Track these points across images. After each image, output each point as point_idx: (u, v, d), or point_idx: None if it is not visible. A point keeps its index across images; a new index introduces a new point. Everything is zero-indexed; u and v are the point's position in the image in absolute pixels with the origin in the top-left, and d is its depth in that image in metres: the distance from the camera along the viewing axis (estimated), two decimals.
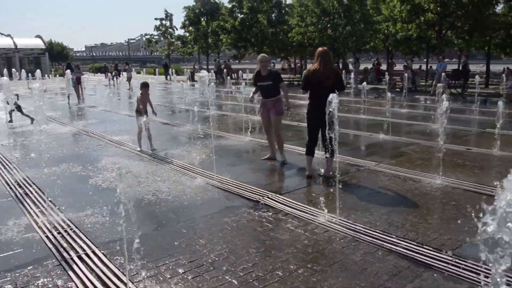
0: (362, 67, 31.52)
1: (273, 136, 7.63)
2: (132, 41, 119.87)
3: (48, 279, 3.67)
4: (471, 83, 19.75)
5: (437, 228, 4.57)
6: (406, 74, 19.47)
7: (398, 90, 22.77)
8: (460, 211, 5.02)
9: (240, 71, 27.19)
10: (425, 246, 4.12)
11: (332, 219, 4.79)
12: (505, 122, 11.01)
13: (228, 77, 26.63)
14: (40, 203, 5.64)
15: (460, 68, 24.42)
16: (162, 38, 43.88)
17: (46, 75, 34.48)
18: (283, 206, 5.30)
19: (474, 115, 13.21)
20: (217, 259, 3.98)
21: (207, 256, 4.03)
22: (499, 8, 26.37)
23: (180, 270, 3.77)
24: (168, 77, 37.64)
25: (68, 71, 19.35)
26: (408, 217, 4.89)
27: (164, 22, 42.60)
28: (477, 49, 30.52)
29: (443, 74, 19.58)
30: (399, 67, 29.89)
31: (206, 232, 4.62)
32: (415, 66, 27.48)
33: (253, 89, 7.79)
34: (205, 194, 5.92)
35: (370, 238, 4.32)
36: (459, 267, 3.68)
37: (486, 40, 27.07)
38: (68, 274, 3.74)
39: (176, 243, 4.33)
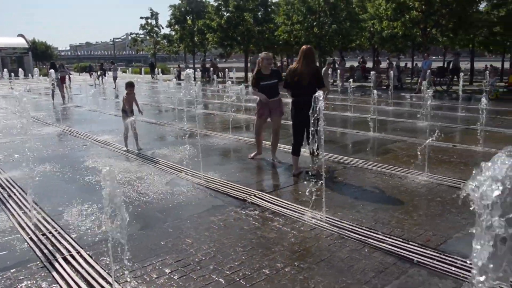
0: (348, 65, 31.70)
1: (262, 136, 7.50)
2: (117, 40, 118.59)
3: (32, 282, 3.62)
4: (456, 81, 19.98)
5: (422, 225, 4.61)
6: (391, 72, 19.63)
7: (384, 87, 22.97)
8: (445, 207, 5.07)
9: (226, 70, 27.11)
10: (411, 243, 4.16)
11: (318, 217, 4.80)
12: (488, 119, 11.21)
13: (215, 76, 26.55)
14: (24, 204, 5.55)
15: (450, 65, 24.73)
16: (147, 37, 43.56)
17: (29, 75, 33.92)
18: (270, 204, 5.30)
19: (459, 112, 13.37)
20: (204, 258, 3.96)
21: (194, 256, 4.01)
22: (482, 6, 26.79)
23: (167, 270, 3.74)
24: (154, 76, 37.42)
25: (52, 70, 19.06)
26: (394, 214, 4.93)
27: (149, 20, 42.36)
28: (461, 46, 30.93)
29: (428, 71, 19.80)
30: (384, 64, 30.07)
31: (193, 231, 4.59)
32: (401, 64, 27.69)
33: (251, 90, 7.54)
34: (191, 193, 5.89)
35: (357, 235, 4.34)
36: (444, 263, 3.72)
37: (470, 38, 27.48)
38: (53, 276, 3.68)
39: (162, 243, 4.30)
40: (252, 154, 7.76)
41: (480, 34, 27.07)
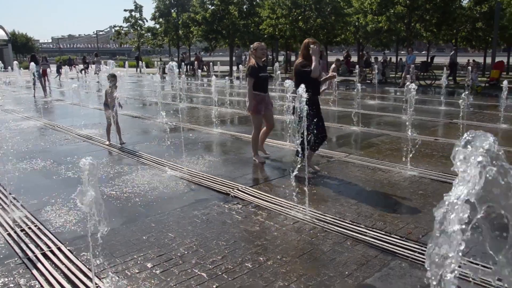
0: (333, 59, 31.76)
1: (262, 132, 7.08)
2: (101, 33, 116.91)
3: (10, 279, 3.54)
4: (439, 75, 20.19)
5: (404, 217, 4.66)
6: (376, 66, 19.76)
7: (369, 82, 23.11)
8: (427, 200, 5.13)
9: (211, 63, 26.96)
10: (392, 235, 4.19)
11: (301, 210, 4.81)
12: (470, 113, 11.37)
13: (199, 70, 26.38)
14: (2, 199, 5.44)
15: (433, 60, 25.11)
16: (131, 30, 42.96)
17: (9, 67, 33.21)
18: (253, 198, 5.29)
19: (442, 106, 13.52)
20: (186, 252, 3.93)
21: (176, 250, 3.98)
22: (464, 2, 27.17)
23: (149, 265, 3.71)
24: (139, 69, 37.03)
25: (33, 63, 18.70)
26: (376, 207, 4.96)
27: (133, 13, 41.72)
28: (444, 41, 31.35)
29: (412, 66, 19.97)
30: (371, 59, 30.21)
31: (176, 225, 4.56)
32: (379, 58, 27.94)
33: (248, 89, 6.75)
34: (175, 187, 5.84)
35: (339, 229, 4.36)
36: (425, 255, 3.75)
37: (453, 33, 27.86)
38: (32, 273, 3.62)
39: (144, 238, 4.26)
40: (258, 159, 7.00)
41: (463, 30, 27.47)
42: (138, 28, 41.87)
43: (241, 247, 4.01)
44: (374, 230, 4.32)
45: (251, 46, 6.92)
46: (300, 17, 27.71)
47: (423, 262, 3.65)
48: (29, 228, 4.53)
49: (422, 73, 22.52)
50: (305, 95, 4.65)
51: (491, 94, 17.01)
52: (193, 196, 5.47)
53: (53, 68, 28.67)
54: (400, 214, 4.78)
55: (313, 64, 5.66)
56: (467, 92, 9.54)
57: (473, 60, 29.73)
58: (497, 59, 22.56)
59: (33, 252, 3.98)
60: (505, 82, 10.62)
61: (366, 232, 4.26)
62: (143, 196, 5.49)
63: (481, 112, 12.36)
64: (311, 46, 5.79)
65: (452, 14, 25.49)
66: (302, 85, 4.78)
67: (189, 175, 6.31)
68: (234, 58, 32.66)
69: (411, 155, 6.42)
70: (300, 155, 5.12)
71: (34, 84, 18.97)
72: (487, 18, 25.20)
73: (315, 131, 5.78)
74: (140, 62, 39.81)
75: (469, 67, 18.91)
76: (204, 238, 4.23)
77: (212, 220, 4.67)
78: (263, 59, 6.81)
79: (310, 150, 5.95)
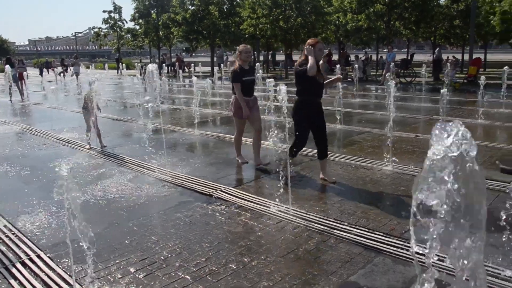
0: None
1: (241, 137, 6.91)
2: (79, 34, 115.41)
3: None
4: (419, 72, 20.49)
5: (387, 214, 4.69)
6: (356, 65, 19.92)
7: (350, 80, 23.28)
8: (409, 196, 5.17)
9: (192, 64, 26.81)
10: (376, 232, 4.22)
11: (285, 210, 4.80)
12: (449, 109, 11.55)
13: (180, 71, 26.21)
14: None
15: (413, 57, 25.47)
16: (111, 32, 42.43)
17: None
18: (237, 199, 5.26)
19: (422, 103, 13.71)
20: (169, 255, 3.89)
21: (160, 253, 3.93)
22: (442, 0, 27.70)
23: (132, 269, 3.65)
24: (119, 71, 36.63)
25: (8, 66, 18.29)
26: (359, 204, 4.99)
27: (112, 14, 41.25)
28: (424, 39, 31.88)
29: (392, 63, 20.21)
30: (352, 57, 30.47)
31: (159, 228, 4.51)
32: (360, 56, 28.20)
33: (237, 93, 6.45)
34: (157, 190, 5.78)
35: (323, 227, 4.36)
36: (408, 250, 3.78)
37: (431, 31, 28.34)
38: (9, 282, 3.52)
39: (127, 242, 4.19)
40: (241, 160, 6.98)
41: (441, 27, 27.97)
42: (118, 30, 41.41)
43: (225, 248, 3.98)
44: (357, 227, 4.34)
45: (237, 48, 6.71)
46: (280, 17, 27.71)
47: (406, 258, 3.68)
48: (7, 236, 4.41)
49: (402, 71, 22.80)
50: (284, 94, 4.62)
51: (469, 90, 17.30)
52: (176, 199, 5.42)
53: (31, 71, 28.11)
54: (382, 210, 4.82)
55: (309, 62, 5.45)
56: (445, 89, 9.69)
57: (453, 56, 30.28)
58: (475, 56, 23.01)
59: (10, 261, 3.87)
60: (482, 77, 10.86)
61: (349, 230, 4.28)
62: (125, 200, 5.41)
63: (460, 108, 12.57)
64: (305, 47, 5.64)
65: (430, 12, 25.95)
66: (283, 87, 4.72)
67: (172, 177, 6.25)
68: (215, 59, 32.54)
69: (392, 152, 6.48)
70: (292, 155, 5.16)
71: (10, 88, 18.55)
72: (464, 16, 25.69)
73: (315, 140, 5.81)
74: (120, 64, 39.37)
75: (447, 64, 19.21)
76: (188, 240, 4.19)
77: (195, 222, 4.63)
78: (248, 62, 6.63)
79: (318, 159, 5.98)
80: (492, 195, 5.17)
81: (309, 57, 5.46)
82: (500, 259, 3.53)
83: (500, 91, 12.74)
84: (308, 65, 5.43)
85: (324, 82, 5.84)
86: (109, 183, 6.12)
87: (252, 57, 34.30)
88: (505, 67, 12.60)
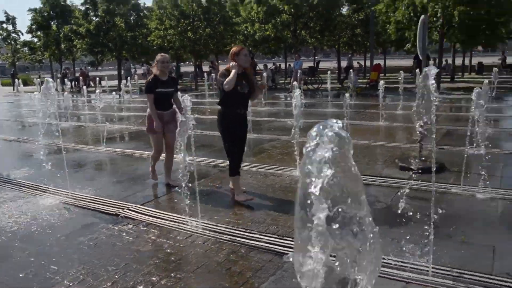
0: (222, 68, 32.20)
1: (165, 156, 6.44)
2: None
3: None
4: (325, 78, 21.57)
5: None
6: (265, 74, 20.44)
7: None
8: None
9: (97, 78, 25.64)
10: (285, 238, 4.30)
11: (194, 224, 4.72)
12: (353, 113, 12.28)
13: (85, 86, 24.90)
14: None
15: (319, 65, 26.89)
16: (4, 44, 39.16)
17: None
18: (145, 216, 5.08)
19: (328, 108, 14.41)
20: (71, 284, 3.61)
21: (60, 283, 3.64)
22: (344, 10, 29.64)
23: None
24: (15, 88, 33.81)
25: None
26: (269, 212, 5.06)
27: (5, 25, 38.14)
28: (329, 47, 33.73)
29: (299, 71, 21.05)
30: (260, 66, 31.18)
31: (59, 256, 4.18)
32: (269, 65, 29.12)
33: (149, 107, 6.16)
34: (58, 214, 5.37)
35: (233, 237, 4.36)
36: None
37: (335, 39, 30.12)
38: None
39: (21, 275, 3.82)
40: (154, 179, 6.59)
41: (344, 35, 29.86)
42: (12, 42, 38.37)
43: (132, 270, 3.80)
44: (267, 234, 4.40)
45: (156, 57, 6.28)
46: (189, 28, 27.62)
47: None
48: None
49: (309, 78, 23.83)
50: (188, 105, 4.55)
51: (371, 94, 18.55)
52: (79, 221, 5.08)
53: None
54: (291, 216, 4.92)
55: (229, 76, 5.14)
56: (348, 94, 10.28)
57: (358, 63, 32.42)
58: (375, 62, 24.84)
59: None
60: (381, 82, 11.72)
61: (260, 238, 4.32)
62: (20, 229, 4.95)
63: (363, 112, 13.43)
64: (230, 59, 5.32)
65: (333, 21, 27.64)
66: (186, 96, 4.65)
67: (74, 199, 5.86)
68: (122, 72, 31.44)
69: (300, 158, 6.70)
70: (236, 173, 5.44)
71: None
72: (364, 25, 27.64)
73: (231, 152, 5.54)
74: (16, 79, 36.37)
75: (351, 70, 20.49)
76: (92, 265, 3.93)
77: (100, 245, 4.37)
78: (167, 72, 6.28)
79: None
80: (392, 192, 5.56)
81: (232, 71, 5.16)
82: (397, 250, 3.78)
83: (398, 94, 13.88)
84: (227, 79, 5.13)
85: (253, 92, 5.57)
86: (1, 212, 5.57)
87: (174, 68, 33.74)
88: (400, 71, 13.74)
